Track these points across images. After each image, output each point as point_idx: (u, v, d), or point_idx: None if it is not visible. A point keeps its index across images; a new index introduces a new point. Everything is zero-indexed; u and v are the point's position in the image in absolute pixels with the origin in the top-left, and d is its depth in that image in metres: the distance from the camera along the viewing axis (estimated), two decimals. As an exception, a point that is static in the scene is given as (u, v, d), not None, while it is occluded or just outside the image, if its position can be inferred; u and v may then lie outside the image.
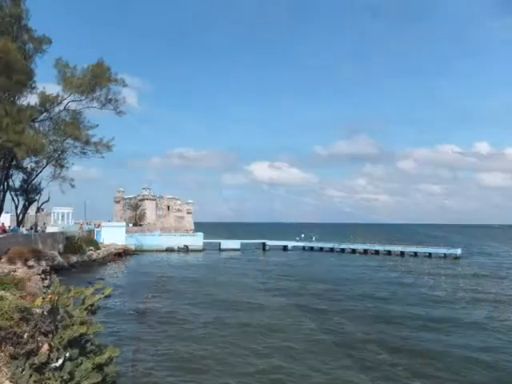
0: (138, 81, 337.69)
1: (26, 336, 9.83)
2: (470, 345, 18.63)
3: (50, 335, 9.97)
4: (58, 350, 9.28)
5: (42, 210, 61.81)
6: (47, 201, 46.90)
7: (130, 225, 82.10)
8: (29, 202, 42.77)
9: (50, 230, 51.97)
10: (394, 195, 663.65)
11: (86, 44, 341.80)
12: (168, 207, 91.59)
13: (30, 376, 8.63)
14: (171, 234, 76.42)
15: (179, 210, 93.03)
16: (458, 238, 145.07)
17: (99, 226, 68.62)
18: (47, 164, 40.56)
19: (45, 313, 10.40)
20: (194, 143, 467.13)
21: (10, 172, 38.91)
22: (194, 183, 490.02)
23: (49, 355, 9.03)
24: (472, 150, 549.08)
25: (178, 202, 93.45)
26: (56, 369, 8.90)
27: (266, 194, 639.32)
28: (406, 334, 20.25)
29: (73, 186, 41.19)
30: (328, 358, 16.67)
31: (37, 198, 43.39)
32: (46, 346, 9.34)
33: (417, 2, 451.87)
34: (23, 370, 8.74)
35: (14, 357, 9.34)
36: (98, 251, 53.62)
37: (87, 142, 40.31)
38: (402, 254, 68.55)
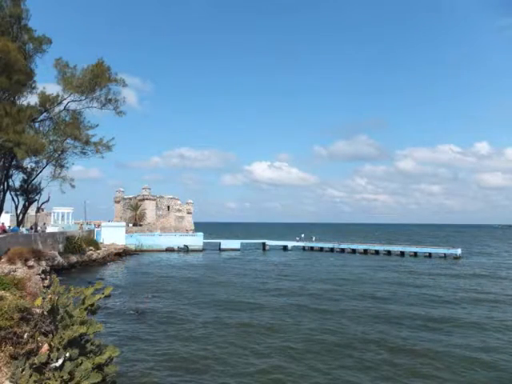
0: (137, 81, 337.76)
1: (25, 336, 9.82)
2: (469, 345, 18.63)
3: (50, 335, 9.97)
4: (57, 350, 9.28)
5: (42, 210, 61.83)
6: (47, 201, 46.86)
7: (130, 225, 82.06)
8: (29, 202, 42.72)
9: (50, 229, 51.96)
10: (393, 195, 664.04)
11: (86, 44, 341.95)
12: (168, 207, 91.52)
13: (30, 376, 8.63)
14: (171, 234, 76.40)
15: (179, 210, 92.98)
16: (457, 237, 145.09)
17: (99, 225, 68.62)
18: (47, 164, 40.53)
19: (45, 313, 10.40)
20: (194, 143, 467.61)
21: (10, 172, 38.87)
22: (193, 183, 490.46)
23: (49, 355, 9.02)
24: (472, 150, 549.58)
25: (178, 202, 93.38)
26: (56, 369, 8.90)
27: (266, 194, 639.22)
28: (406, 334, 20.25)
29: (73, 186, 41.11)
30: (328, 357, 16.68)
31: (37, 198, 43.33)
32: (45, 346, 9.34)
33: (418, 4, 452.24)
34: (23, 370, 8.74)
35: (13, 357, 9.34)
36: (98, 251, 53.64)
37: (87, 142, 40.27)
38: (402, 254, 68.53)
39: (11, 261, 27.47)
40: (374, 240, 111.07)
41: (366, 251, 71.66)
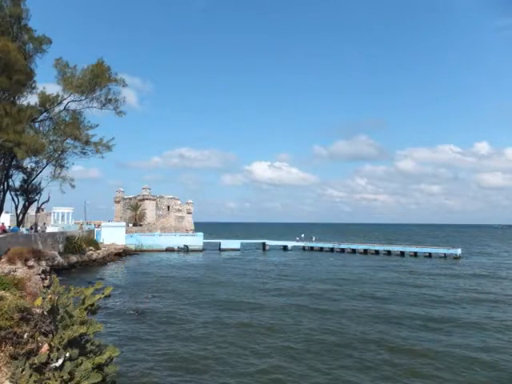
0: (137, 81, 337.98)
1: (25, 336, 9.82)
2: (469, 345, 18.63)
3: (50, 335, 9.96)
4: (57, 350, 9.27)
5: (42, 210, 61.83)
6: (47, 201, 46.80)
7: (130, 225, 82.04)
8: (29, 202, 42.70)
9: (50, 230, 51.97)
10: (393, 195, 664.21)
11: (86, 44, 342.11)
12: (168, 207, 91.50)
13: (30, 376, 8.62)
14: (171, 234, 76.39)
15: (179, 210, 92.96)
16: (457, 237, 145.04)
17: (99, 226, 68.61)
18: (47, 164, 40.50)
19: (45, 313, 10.39)
20: (194, 143, 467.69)
21: (10, 172, 38.85)
22: (193, 183, 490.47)
23: (49, 355, 9.02)
24: (472, 150, 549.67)
25: (178, 202, 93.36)
26: (56, 369, 8.89)
27: (266, 194, 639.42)
28: (406, 334, 20.25)
29: (73, 186, 41.08)
30: (328, 358, 16.68)
31: (37, 198, 43.29)
32: (45, 346, 9.33)
33: (419, 4, 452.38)
34: (23, 370, 8.74)
35: (13, 357, 9.33)
36: (98, 251, 53.63)
37: (87, 142, 40.25)
38: (402, 254, 68.51)
39: (11, 261, 27.47)
40: (374, 240, 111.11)
41: (365, 251, 71.63)
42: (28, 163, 40.13)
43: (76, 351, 9.39)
